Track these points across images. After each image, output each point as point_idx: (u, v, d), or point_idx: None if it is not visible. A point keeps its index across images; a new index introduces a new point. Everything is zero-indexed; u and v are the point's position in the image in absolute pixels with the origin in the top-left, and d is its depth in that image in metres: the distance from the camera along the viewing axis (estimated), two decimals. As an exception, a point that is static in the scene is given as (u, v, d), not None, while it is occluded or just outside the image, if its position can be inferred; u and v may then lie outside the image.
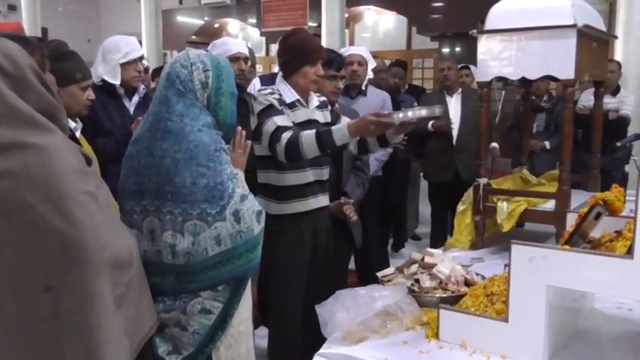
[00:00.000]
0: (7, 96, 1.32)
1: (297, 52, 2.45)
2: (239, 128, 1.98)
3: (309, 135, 2.26)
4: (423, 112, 2.16)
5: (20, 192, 1.29)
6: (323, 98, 2.67)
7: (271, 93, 2.45)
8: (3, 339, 1.31)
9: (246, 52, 3.24)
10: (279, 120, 2.35)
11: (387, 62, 5.58)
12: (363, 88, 3.79)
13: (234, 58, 3.08)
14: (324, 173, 2.57)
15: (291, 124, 2.37)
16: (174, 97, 1.74)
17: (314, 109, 2.55)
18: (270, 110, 2.39)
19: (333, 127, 2.28)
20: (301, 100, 2.49)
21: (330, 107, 2.70)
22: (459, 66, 5.15)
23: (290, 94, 2.47)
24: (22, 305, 1.30)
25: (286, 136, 2.29)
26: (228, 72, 1.85)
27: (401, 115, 2.16)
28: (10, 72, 1.34)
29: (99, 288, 1.34)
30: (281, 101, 2.44)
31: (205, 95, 1.79)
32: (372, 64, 3.87)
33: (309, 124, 2.47)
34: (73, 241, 1.30)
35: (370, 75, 3.91)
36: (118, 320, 1.40)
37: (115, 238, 1.42)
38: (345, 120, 2.32)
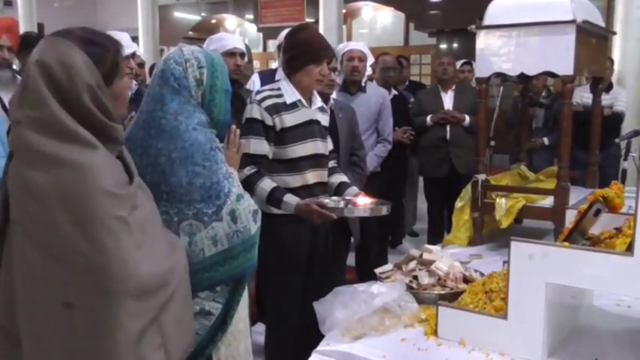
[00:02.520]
0: (53, 107, 1.31)
1: (303, 50, 2.41)
2: (233, 127, 1.96)
3: (263, 190, 2.33)
4: (367, 213, 2.33)
5: (51, 210, 1.28)
6: (323, 104, 2.62)
7: (269, 96, 2.40)
8: (27, 341, 1.32)
9: (242, 47, 3.23)
10: (253, 145, 2.34)
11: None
12: (363, 84, 3.77)
13: (231, 54, 3.06)
14: (325, 175, 2.54)
15: (264, 151, 2.37)
16: (168, 94, 1.71)
17: (316, 110, 2.51)
18: (252, 126, 2.36)
19: (285, 198, 2.34)
20: (303, 100, 2.45)
21: (327, 110, 2.67)
22: (462, 61, 5.14)
23: (292, 94, 2.42)
24: (42, 315, 1.31)
25: (247, 172, 2.33)
26: (222, 69, 1.81)
27: (345, 212, 2.33)
28: (62, 84, 1.32)
29: (118, 317, 1.31)
30: (277, 105, 2.38)
31: (200, 92, 1.75)
32: (370, 59, 3.85)
33: (309, 124, 2.45)
34: (97, 266, 1.29)
35: (369, 71, 3.89)
36: (139, 348, 1.37)
37: (146, 263, 1.38)
38: (294, 199, 2.34)
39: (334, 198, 2.45)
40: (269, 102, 2.38)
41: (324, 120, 2.56)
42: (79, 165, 1.30)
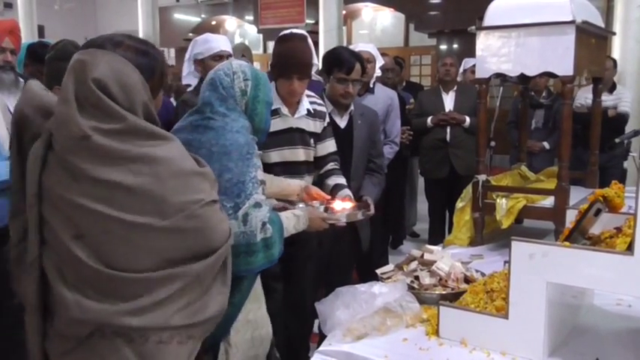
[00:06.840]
0: (130, 117, 1.33)
1: (278, 61, 2.43)
2: (348, 205, 2.10)
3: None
4: (343, 219, 2.23)
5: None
6: (322, 108, 2.60)
7: None
8: None
9: (229, 49, 3.12)
10: None
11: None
12: (371, 86, 3.76)
13: (218, 57, 3.00)
14: (309, 181, 2.49)
15: None
16: (217, 100, 1.86)
17: (300, 118, 2.48)
18: None
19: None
20: (283, 107, 2.44)
21: (326, 119, 2.62)
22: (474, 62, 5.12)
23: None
24: None
25: None
26: (266, 82, 1.96)
27: (345, 217, 2.25)
28: (121, 104, 1.33)
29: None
30: None
31: (244, 102, 1.89)
32: (379, 61, 3.85)
33: (287, 132, 2.44)
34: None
35: (378, 73, 3.89)
36: None
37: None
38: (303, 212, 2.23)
39: (315, 203, 2.32)
40: None
41: (313, 126, 2.53)
42: (166, 157, 1.35)
